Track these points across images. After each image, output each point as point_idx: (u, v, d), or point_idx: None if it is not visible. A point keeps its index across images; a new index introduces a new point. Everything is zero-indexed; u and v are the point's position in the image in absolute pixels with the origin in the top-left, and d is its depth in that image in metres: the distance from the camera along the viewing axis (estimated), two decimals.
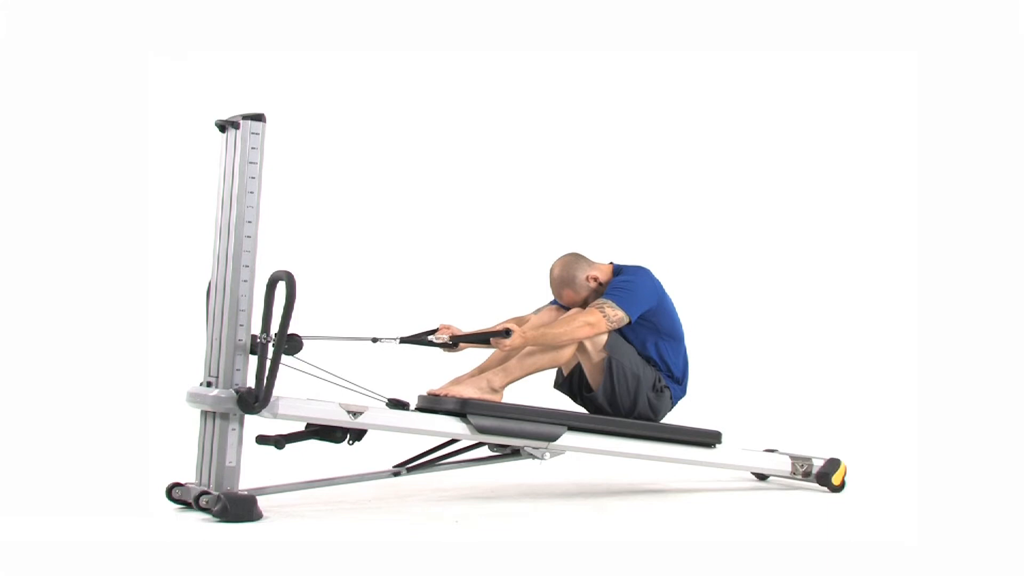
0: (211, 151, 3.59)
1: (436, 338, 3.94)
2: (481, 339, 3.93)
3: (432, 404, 3.75)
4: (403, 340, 3.87)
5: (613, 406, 4.00)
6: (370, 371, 3.90)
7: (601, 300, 3.99)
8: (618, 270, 4.16)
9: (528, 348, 3.92)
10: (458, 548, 3.18)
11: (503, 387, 3.88)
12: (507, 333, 3.83)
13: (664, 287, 4.14)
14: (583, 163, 6.26)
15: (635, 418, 4.01)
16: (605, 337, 3.96)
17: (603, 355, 3.96)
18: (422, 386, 3.87)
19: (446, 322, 3.99)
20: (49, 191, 5.48)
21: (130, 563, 2.89)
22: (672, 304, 4.16)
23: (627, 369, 3.97)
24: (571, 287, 4.10)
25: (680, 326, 4.19)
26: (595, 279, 4.10)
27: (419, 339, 3.92)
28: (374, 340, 3.79)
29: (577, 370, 4.07)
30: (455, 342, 3.95)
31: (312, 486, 3.64)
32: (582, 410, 4.09)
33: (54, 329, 5.31)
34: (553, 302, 4.22)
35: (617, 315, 3.96)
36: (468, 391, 3.80)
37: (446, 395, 3.77)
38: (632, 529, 3.56)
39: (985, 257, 5.59)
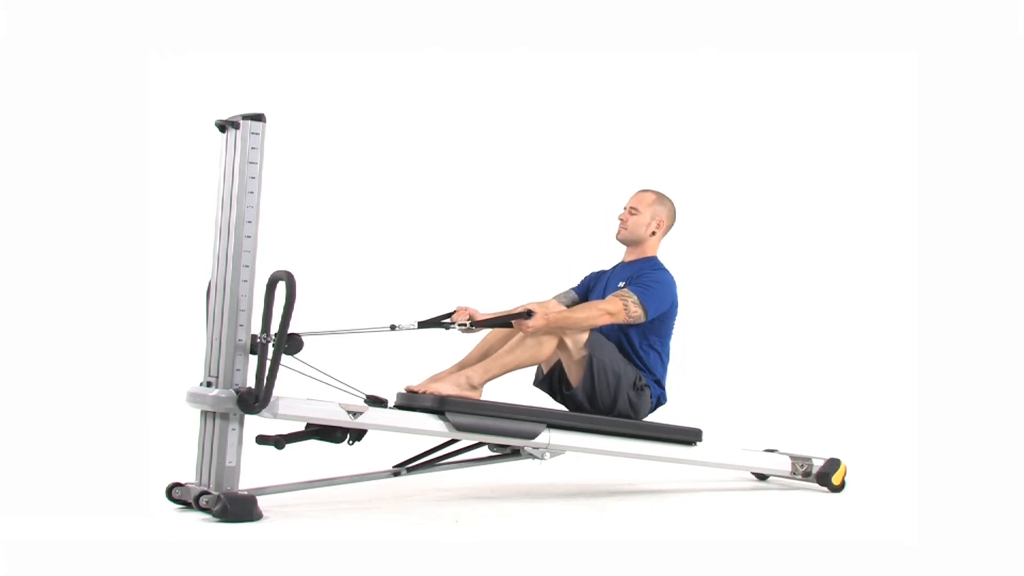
0: (211, 151, 3.59)
1: (457, 324, 3.90)
2: (502, 322, 3.92)
3: (410, 401, 3.73)
4: (421, 324, 3.86)
5: (593, 404, 3.99)
6: (376, 366, 3.91)
7: (626, 292, 4.00)
8: (654, 263, 4.18)
9: (508, 345, 3.91)
10: (458, 548, 3.18)
11: (482, 384, 3.85)
12: (529, 315, 3.84)
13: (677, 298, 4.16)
14: (582, 162, 6.26)
15: (615, 416, 4.00)
16: (586, 335, 3.95)
17: (584, 352, 3.94)
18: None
19: (463, 305, 3.99)
20: (49, 191, 5.47)
21: (130, 563, 2.89)
22: (675, 316, 4.18)
23: (608, 367, 3.96)
24: (654, 199, 4.20)
25: (670, 338, 4.19)
26: (658, 226, 4.20)
27: (437, 323, 3.91)
28: (392, 328, 3.78)
29: (557, 368, 4.06)
30: (475, 325, 3.93)
31: (312, 486, 3.64)
32: (562, 408, 4.08)
33: (54, 329, 5.31)
34: (572, 289, 4.29)
35: (637, 312, 3.98)
36: (446, 388, 3.76)
37: (425, 392, 3.74)
38: (632, 529, 3.56)
39: (985, 257, 5.59)
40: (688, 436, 4.09)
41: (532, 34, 6.11)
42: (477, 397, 3.82)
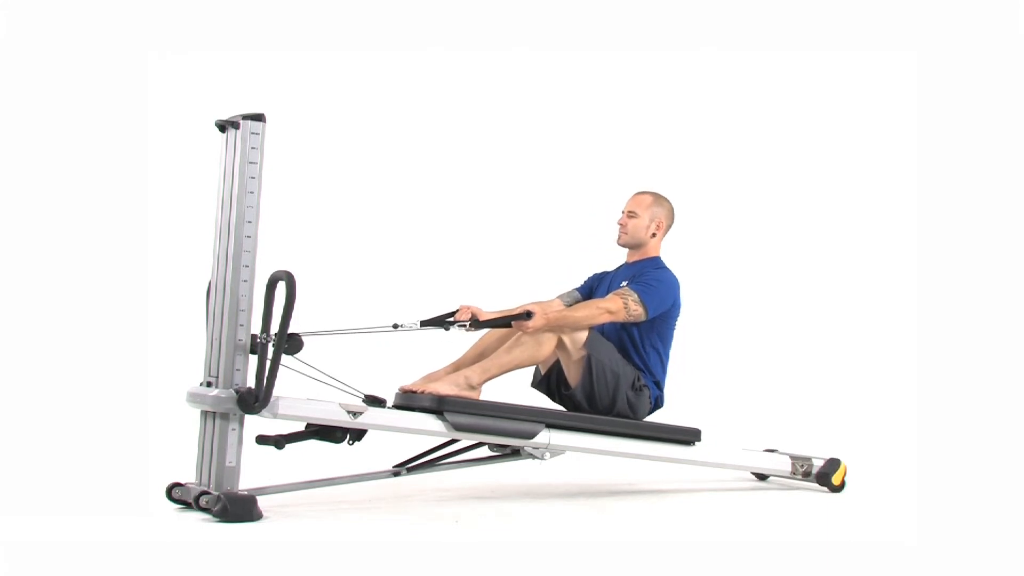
0: (211, 151, 3.59)
1: (457, 324, 3.90)
2: (502, 322, 3.91)
3: (408, 401, 3.72)
4: (424, 323, 3.86)
5: (592, 404, 3.98)
6: (376, 366, 3.90)
7: (626, 290, 3.99)
8: (657, 262, 4.17)
9: (506, 345, 3.90)
10: (458, 548, 3.18)
11: (481, 384, 3.84)
12: (528, 315, 3.83)
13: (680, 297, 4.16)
14: (582, 162, 6.26)
15: (614, 416, 4.00)
16: (585, 335, 3.94)
17: (583, 352, 3.93)
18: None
19: (466, 304, 3.99)
20: (49, 191, 5.47)
21: (130, 563, 2.89)
22: (677, 317, 4.17)
23: (606, 367, 3.95)
24: (651, 201, 4.18)
25: (671, 339, 4.19)
26: (658, 228, 4.18)
27: (440, 322, 3.91)
28: (395, 327, 3.78)
29: (555, 368, 4.05)
30: (475, 325, 3.92)
31: (312, 486, 3.64)
32: (561, 408, 4.08)
33: (54, 329, 5.31)
34: (576, 289, 4.28)
35: (637, 311, 3.97)
36: (445, 388, 3.75)
37: (422, 392, 3.73)
38: (632, 529, 3.56)
39: (985, 257, 5.59)
40: (687, 436, 4.09)
41: (532, 34, 6.10)
42: (476, 397, 3.81)
